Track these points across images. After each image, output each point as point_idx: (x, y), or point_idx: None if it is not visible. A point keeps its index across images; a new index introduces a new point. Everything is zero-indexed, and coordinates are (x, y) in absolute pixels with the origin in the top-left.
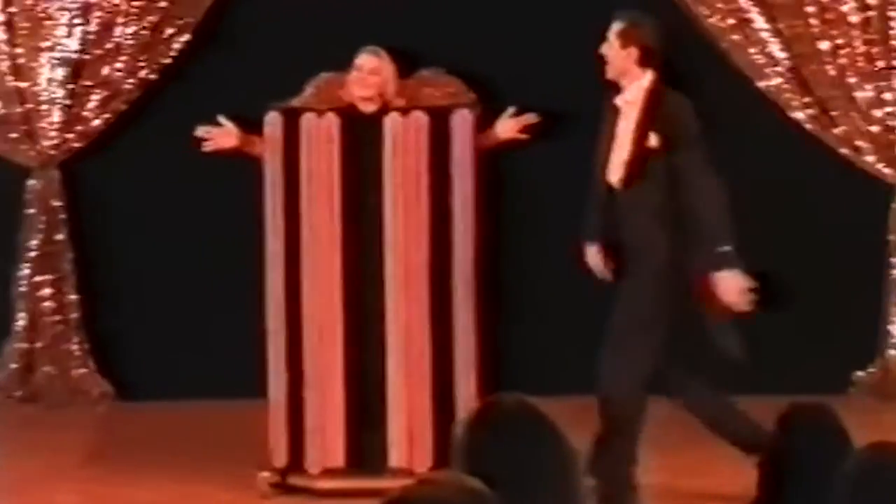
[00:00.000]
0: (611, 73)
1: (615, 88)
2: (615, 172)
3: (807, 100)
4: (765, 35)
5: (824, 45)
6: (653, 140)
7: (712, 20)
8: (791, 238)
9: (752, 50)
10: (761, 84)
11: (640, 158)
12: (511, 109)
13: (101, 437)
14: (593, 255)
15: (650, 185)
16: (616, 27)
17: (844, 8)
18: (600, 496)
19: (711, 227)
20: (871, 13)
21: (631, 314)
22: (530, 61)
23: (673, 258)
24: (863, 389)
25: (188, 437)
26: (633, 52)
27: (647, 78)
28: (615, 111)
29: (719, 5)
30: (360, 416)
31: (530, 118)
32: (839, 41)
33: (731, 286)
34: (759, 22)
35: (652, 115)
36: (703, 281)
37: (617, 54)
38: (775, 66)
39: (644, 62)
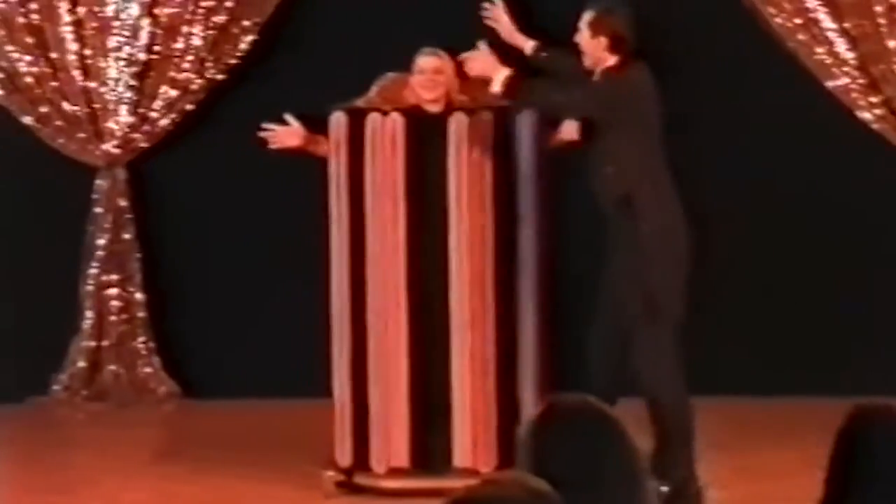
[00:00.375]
0: (587, 62)
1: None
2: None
3: (874, 99)
4: (832, 35)
5: (892, 44)
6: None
7: (779, 20)
8: (858, 239)
9: (819, 50)
10: (829, 84)
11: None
12: None
13: (167, 436)
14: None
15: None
16: (587, 17)
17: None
18: (668, 499)
19: None
20: None
21: (630, 305)
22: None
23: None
24: None
25: (253, 436)
26: (603, 40)
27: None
28: None
29: (786, 5)
30: (425, 415)
31: None
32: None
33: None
34: (826, 21)
35: None
36: None
37: (588, 43)
38: (842, 65)
39: (613, 50)
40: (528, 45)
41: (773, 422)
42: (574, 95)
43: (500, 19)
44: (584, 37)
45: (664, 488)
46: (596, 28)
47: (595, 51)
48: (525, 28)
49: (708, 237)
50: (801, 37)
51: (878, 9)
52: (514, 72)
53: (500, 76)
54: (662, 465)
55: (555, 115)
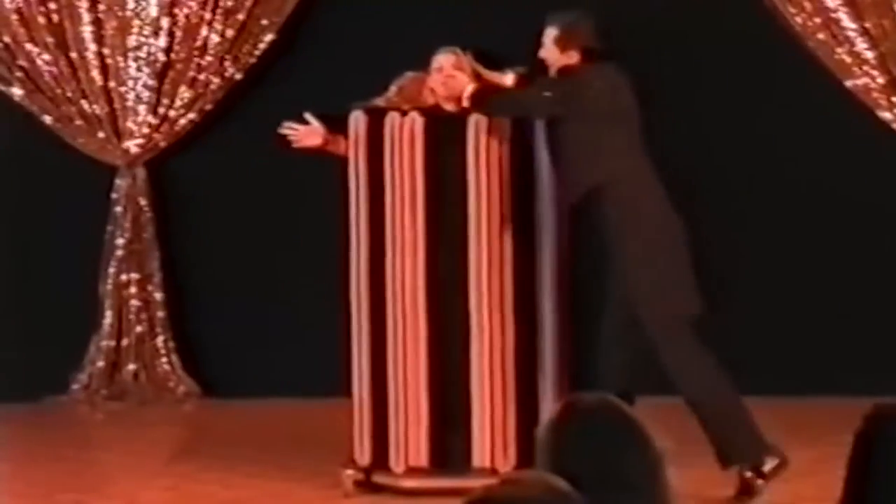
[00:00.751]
0: (553, 74)
1: None
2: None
3: (895, 99)
4: (851, 34)
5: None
6: (508, 78)
7: (799, 19)
8: (877, 238)
9: (839, 49)
10: (849, 83)
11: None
12: None
13: (186, 435)
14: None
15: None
16: (553, 33)
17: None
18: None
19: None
20: None
21: (642, 308)
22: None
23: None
24: None
25: (273, 435)
26: (574, 55)
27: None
28: None
29: (806, 4)
30: (444, 415)
31: None
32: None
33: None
34: (846, 20)
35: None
36: None
37: (558, 59)
38: (862, 65)
39: (586, 61)
40: (506, 78)
41: (787, 421)
42: (530, 93)
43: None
44: (551, 52)
45: (747, 473)
46: (565, 43)
47: (565, 64)
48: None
49: (726, 237)
50: (821, 36)
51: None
52: (478, 85)
53: (466, 91)
54: (726, 453)
55: (524, 116)
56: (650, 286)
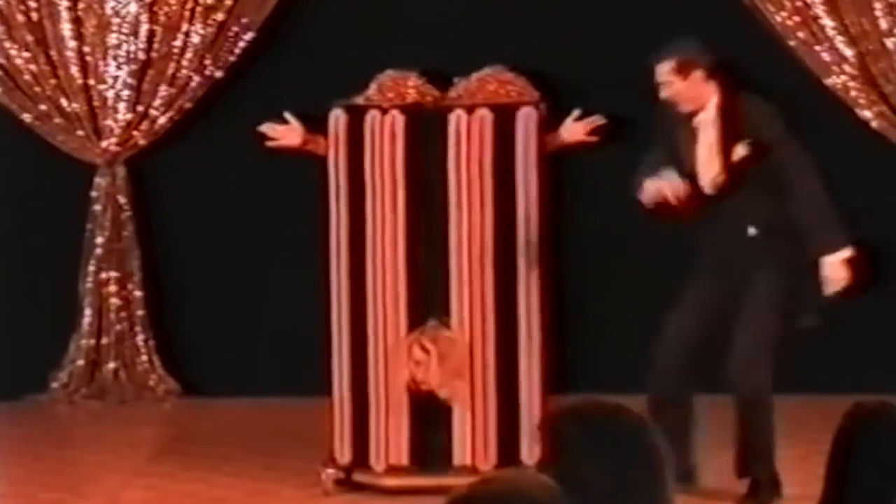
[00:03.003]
0: (687, 107)
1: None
2: (709, 188)
3: (874, 97)
4: (831, 32)
5: (891, 42)
6: (740, 151)
7: (779, 18)
8: (856, 235)
9: (818, 48)
10: (829, 82)
11: (733, 170)
12: (576, 112)
13: (167, 434)
14: (670, 179)
15: (755, 190)
16: (667, 67)
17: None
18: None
19: (811, 222)
20: None
21: (769, 315)
22: (593, 62)
23: (792, 252)
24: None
25: (253, 434)
26: (697, 75)
27: (714, 93)
28: (692, 132)
29: (786, 3)
30: (425, 413)
31: (598, 120)
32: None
33: (834, 276)
34: (826, 19)
35: (731, 127)
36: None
37: (682, 88)
38: (842, 63)
39: (710, 77)
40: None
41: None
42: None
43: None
44: (675, 85)
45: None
46: (684, 70)
47: (691, 90)
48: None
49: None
50: (800, 34)
51: (878, 6)
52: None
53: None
54: (750, 463)
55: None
56: (790, 295)
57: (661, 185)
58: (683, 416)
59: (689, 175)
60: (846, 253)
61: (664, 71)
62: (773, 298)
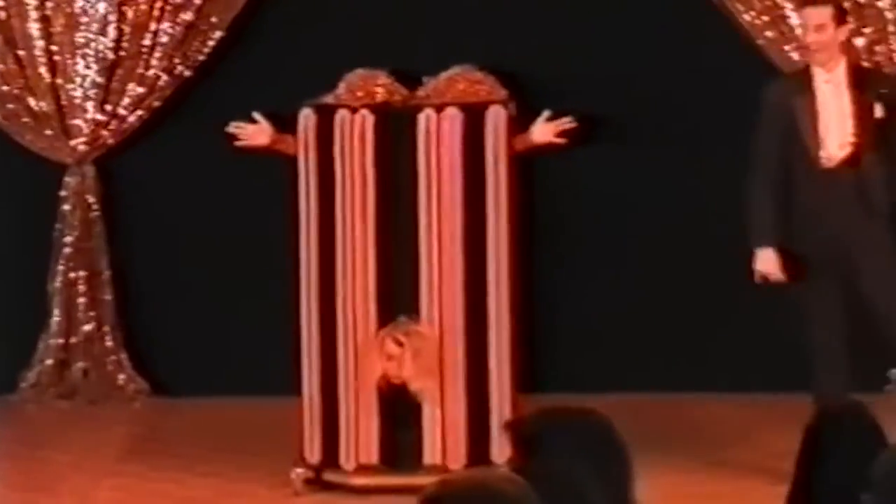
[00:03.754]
0: (821, 59)
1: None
2: (837, 153)
3: None
4: (800, 31)
5: (859, 42)
6: (879, 111)
7: (747, 17)
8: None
9: (787, 47)
10: None
11: (868, 132)
12: (547, 113)
13: (136, 434)
14: (769, 260)
15: (880, 158)
16: (828, 11)
17: (880, 3)
18: None
19: None
20: None
21: None
22: (562, 62)
23: None
24: None
25: (223, 434)
26: (846, 28)
27: (843, 55)
28: (810, 96)
29: (755, 1)
30: (394, 412)
31: (568, 122)
32: (874, 37)
33: None
34: (795, 18)
35: (867, 86)
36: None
37: (833, 37)
38: None
39: (849, 38)
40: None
41: (737, 418)
42: None
43: None
44: (829, 32)
45: None
46: (840, 19)
47: (834, 43)
48: None
49: (684, 235)
50: (769, 34)
51: (846, 6)
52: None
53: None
54: None
55: None
56: None
57: (767, 270)
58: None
59: (808, 147)
60: None
61: (825, 14)
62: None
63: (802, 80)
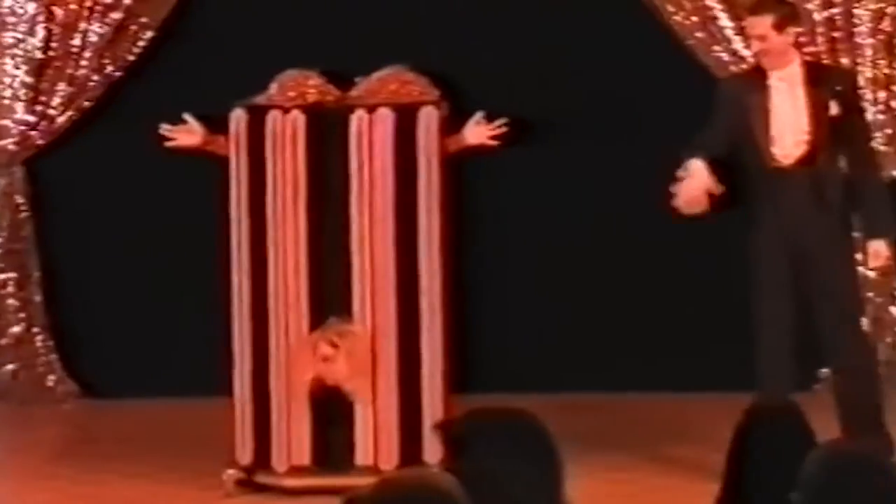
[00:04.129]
0: (769, 63)
1: (755, 74)
2: (792, 151)
3: None
4: (729, 32)
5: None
6: (834, 108)
7: (677, 17)
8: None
9: (716, 48)
10: None
11: (823, 130)
12: (479, 114)
13: (67, 435)
14: (698, 169)
15: (835, 156)
16: (768, 20)
17: (809, 5)
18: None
19: (877, 194)
20: (835, 10)
21: (848, 291)
22: (494, 63)
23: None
24: (829, 387)
25: (154, 436)
26: (791, 32)
27: (797, 53)
28: (763, 94)
29: (685, 3)
30: (326, 413)
31: (501, 124)
32: (803, 38)
33: (881, 254)
34: (724, 19)
35: (822, 84)
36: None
37: (777, 43)
38: (740, 63)
39: (798, 45)
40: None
41: (677, 415)
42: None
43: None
44: (771, 40)
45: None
46: (783, 23)
47: (783, 45)
48: None
49: (613, 235)
50: (699, 34)
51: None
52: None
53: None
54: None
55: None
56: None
57: (694, 185)
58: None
59: (760, 145)
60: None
61: (765, 24)
62: (852, 266)
63: (755, 77)
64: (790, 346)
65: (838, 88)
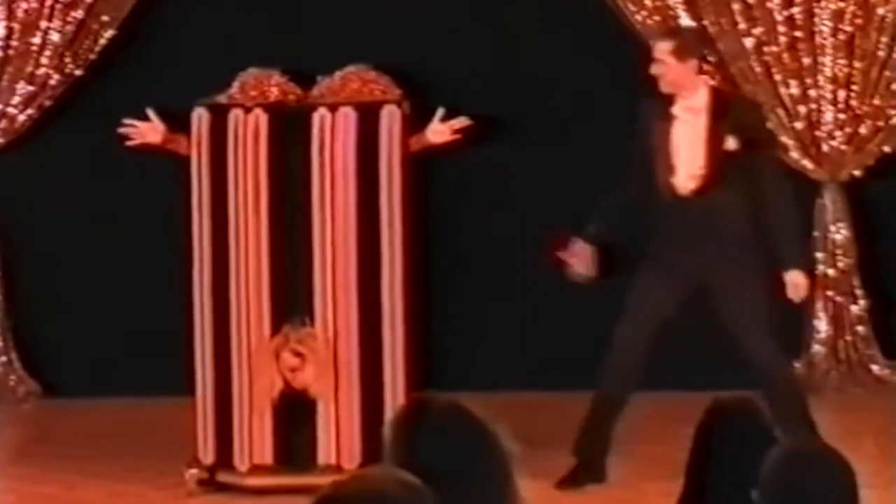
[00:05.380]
0: (668, 88)
1: (660, 101)
2: (687, 182)
3: None
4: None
5: (749, 42)
6: (731, 143)
7: (639, 17)
8: None
9: None
10: None
11: (719, 163)
12: (441, 111)
13: (28, 435)
14: (581, 250)
15: (734, 188)
16: (667, 46)
17: (770, 4)
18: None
19: (785, 226)
20: (795, 10)
21: (759, 312)
22: (456, 61)
23: (764, 254)
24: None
25: (116, 435)
26: (692, 63)
27: (704, 84)
28: (668, 122)
29: (646, 1)
30: (289, 413)
31: (462, 121)
32: (764, 38)
33: (798, 284)
34: (685, 19)
35: (721, 117)
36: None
37: (675, 69)
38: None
39: (702, 70)
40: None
41: (643, 413)
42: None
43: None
44: (668, 64)
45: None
46: (683, 53)
47: (682, 74)
48: None
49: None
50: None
51: (736, 7)
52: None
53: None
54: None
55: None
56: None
57: (577, 264)
58: (615, 416)
59: (663, 174)
60: (808, 268)
61: (663, 49)
62: (759, 305)
63: (666, 104)
64: (644, 354)
65: (746, 120)
